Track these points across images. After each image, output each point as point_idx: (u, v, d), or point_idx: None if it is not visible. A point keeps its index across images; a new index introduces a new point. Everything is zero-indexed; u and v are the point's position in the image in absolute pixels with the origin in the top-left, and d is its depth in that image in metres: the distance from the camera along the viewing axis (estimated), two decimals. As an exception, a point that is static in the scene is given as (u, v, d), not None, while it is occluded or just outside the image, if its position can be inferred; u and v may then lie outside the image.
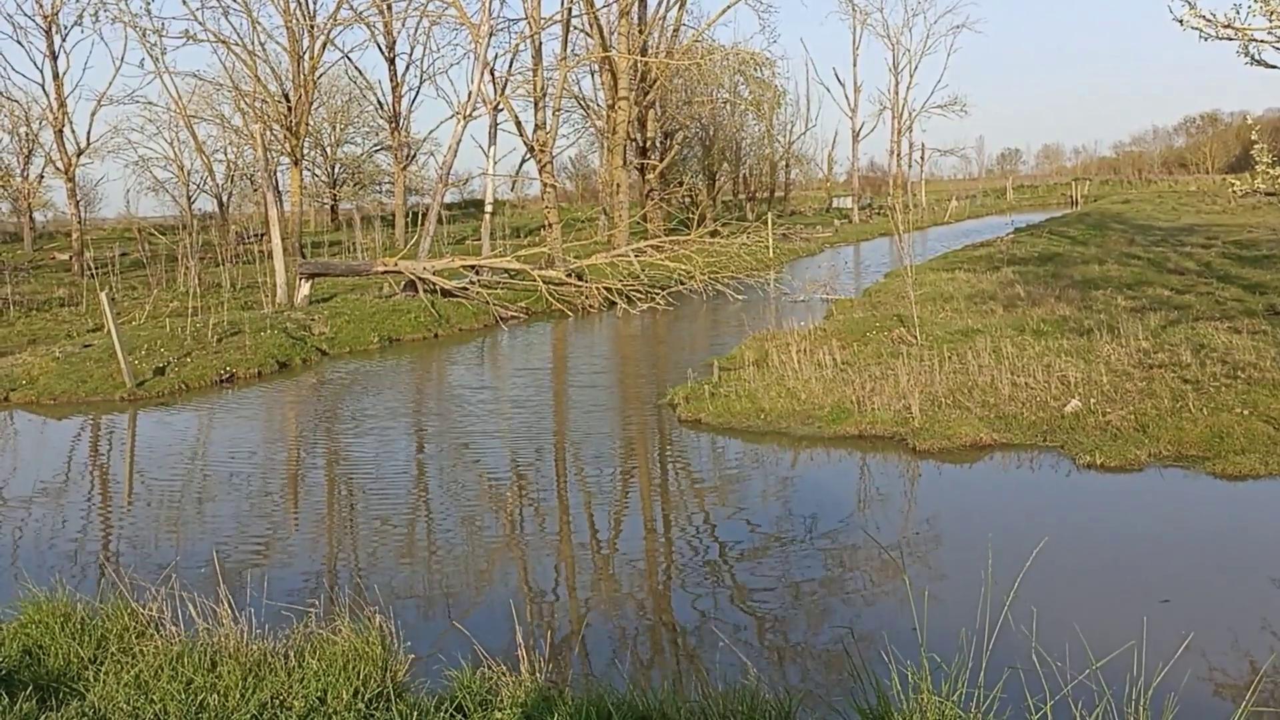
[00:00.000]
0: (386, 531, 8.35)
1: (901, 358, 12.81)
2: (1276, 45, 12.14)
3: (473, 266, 23.34)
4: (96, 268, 28.87)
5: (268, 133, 29.25)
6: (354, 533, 8.43)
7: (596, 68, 37.35)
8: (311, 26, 31.14)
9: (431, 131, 77.39)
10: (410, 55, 79.89)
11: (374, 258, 28.09)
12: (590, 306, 22.74)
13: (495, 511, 8.81)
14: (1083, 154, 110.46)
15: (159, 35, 32.28)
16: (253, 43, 30.10)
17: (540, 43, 29.16)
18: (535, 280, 22.13)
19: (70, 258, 34.56)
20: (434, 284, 22.09)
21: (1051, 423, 9.75)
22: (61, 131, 33.35)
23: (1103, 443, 9.05)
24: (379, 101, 44.12)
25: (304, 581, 7.22)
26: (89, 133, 36.46)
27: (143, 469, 10.94)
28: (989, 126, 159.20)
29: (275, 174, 28.92)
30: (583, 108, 42.52)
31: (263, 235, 32.75)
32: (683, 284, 22.87)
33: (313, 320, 19.61)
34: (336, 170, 55.31)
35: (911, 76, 60.18)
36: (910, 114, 60.12)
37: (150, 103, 57.46)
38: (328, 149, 53.78)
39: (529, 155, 31.11)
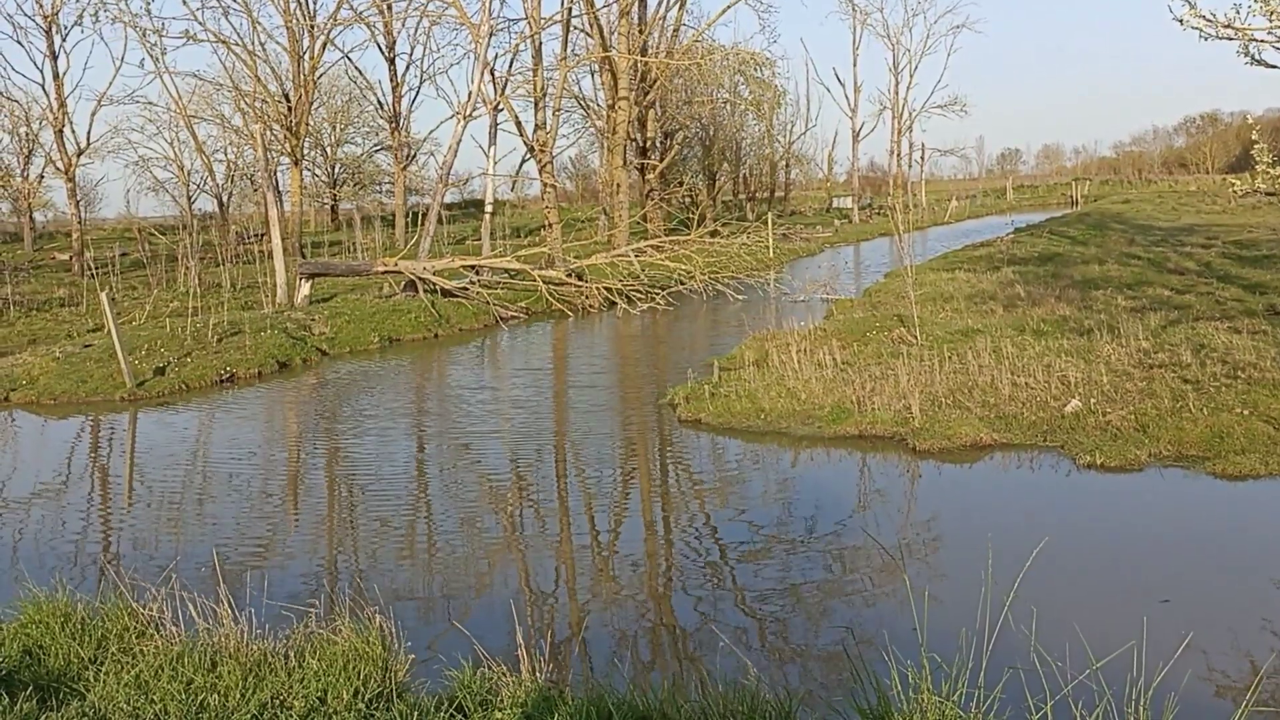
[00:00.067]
0: (387, 532, 8.35)
1: (902, 358, 12.81)
2: (1276, 45, 12.15)
3: (473, 266, 23.35)
4: (97, 268, 28.87)
5: (268, 133, 29.26)
6: (354, 533, 8.43)
7: (596, 68, 37.35)
8: (311, 26, 31.14)
9: (431, 131, 77.48)
10: (410, 55, 79.98)
11: (374, 258, 28.09)
12: (590, 306, 22.74)
13: (495, 512, 8.81)
14: (1083, 154, 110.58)
15: (159, 35, 32.31)
16: (253, 43, 30.12)
17: (540, 43, 29.20)
18: (535, 280, 22.13)
19: (70, 258, 34.57)
20: (434, 284, 22.09)
21: (1052, 423, 9.75)
22: (61, 131, 33.36)
23: (1103, 443, 9.05)
24: (379, 101, 44.17)
25: (304, 581, 7.22)
26: (89, 133, 36.48)
27: (143, 469, 10.94)
28: (989, 126, 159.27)
29: (275, 174, 28.93)
30: (583, 108, 42.55)
31: (263, 235, 32.75)
32: (683, 284, 22.87)
33: (313, 320, 19.62)
34: (337, 170, 55.32)
35: (911, 76, 60.23)
36: (910, 114, 60.19)
37: (150, 103, 57.48)
38: (328, 149, 53.80)
39: (529, 155, 31.13)
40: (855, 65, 56.26)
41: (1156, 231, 30.63)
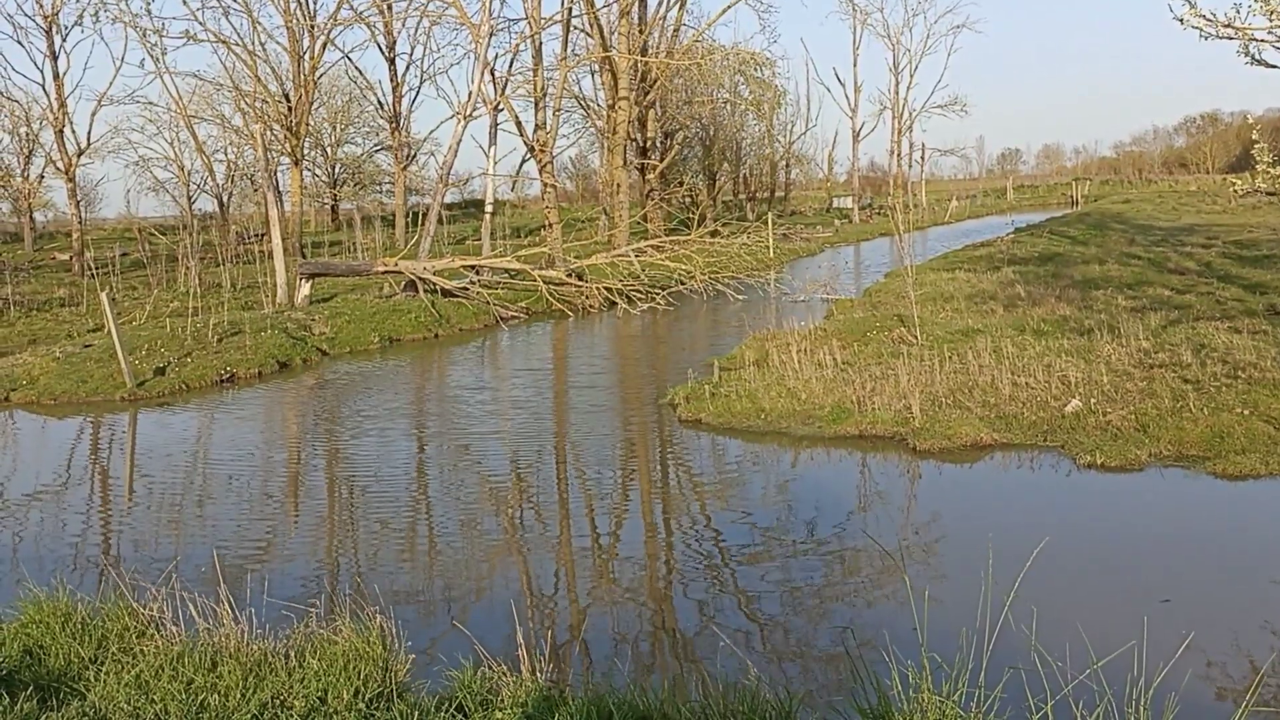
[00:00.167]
0: (387, 532, 8.35)
1: (902, 358, 12.81)
2: (1277, 45, 12.14)
3: (473, 266, 23.34)
4: (97, 268, 28.87)
5: (268, 133, 29.26)
6: (354, 533, 8.43)
7: (597, 68, 37.35)
8: (312, 26, 31.15)
9: (432, 131, 77.51)
10: (410, 55, 79.84)
11: (374, 258, 28.09)
12: (590, 306, 22.74)
13: (496, 512, 8.81)
14: (1083, 154, 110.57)
15: (159, 35, 32.23)
16: (253, 43, 30.12)
17: (540, 43, 29.20)
18: (535, 280, 22.13)
19: (70, 258, 34.56)
20: (434, 284, 22.09)
21: (1052, 422, 9.75)
22: (62, 132, 33.35)
23: (1103, 443, 9.05)
24: (379, 101, 44.15)
25: (304, 581, 7.22)
26: (89, 133, 36.43)
27: (143, 469, 10.94)
28: (989, 126, 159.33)
29: (275, 174, 28.93)
30: (583, 108, 42.55)
31: (263, 235, 32.76)
32: (683, 284, 22.87)
33: (313, 320, 19.62)
34: (337, 170, 55.32)
35: (912, 76, 60.19)
36: (910, 114, 60.16)
37: (150, 103, 57.44)
38: (328, 149, 53.80)
39: (529, 155, 31.11)
40: (855, 65, 56.28)
41: (1157, 231, 30.63)
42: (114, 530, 8.91)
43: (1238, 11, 11.99)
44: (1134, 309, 15.32)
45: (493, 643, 5.23)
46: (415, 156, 46.37)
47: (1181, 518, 7.77)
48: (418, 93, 70.89)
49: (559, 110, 30.91)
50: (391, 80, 41.77)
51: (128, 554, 8.09)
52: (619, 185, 33.37)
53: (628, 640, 6.12)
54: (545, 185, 29.58)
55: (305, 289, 23.07)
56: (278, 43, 31.33)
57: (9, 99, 36.97)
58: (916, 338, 14.15)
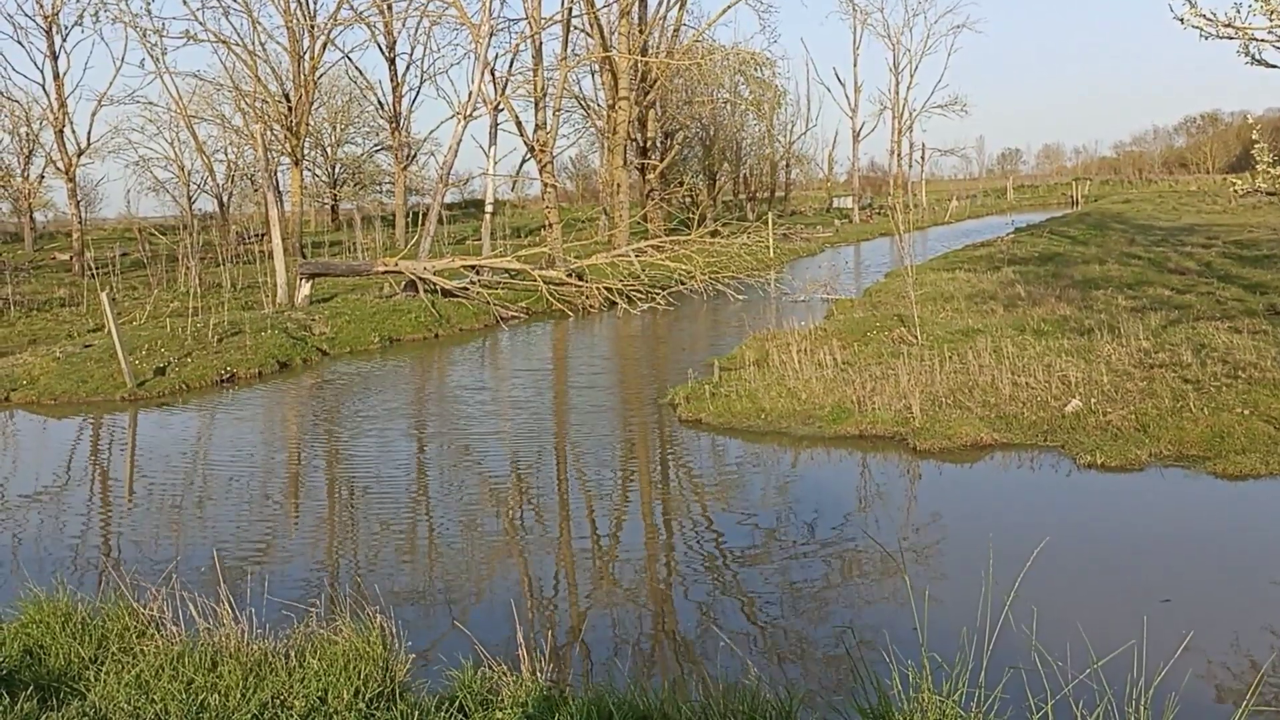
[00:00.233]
0: (387, 532, 8.35)
1: (902, 357, 12.81)
2: (1277, 44, 12.13)
3: (473, 266, 23.34)
4: (97, 268, 28.87)
5: (268, 133, 29.26)
6: (354, 533, 8.43)
7: (597, 68, 37.35)
8: (312, 26, 31.15)
9: (432, 131, 77.52)
10: (410, 55, 79.83)
11: (374, 258, 28.09)
12: (591, 306, 22.74)
13: (496, 512, 8.81)
14: (1083, 154, 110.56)
15: (159, 35, 32.25)
16: (253, 43, 30.13)
17: (540, 43, 29.19)
18: (536, 280, 22.13)
19: (71, 258, 34.56)
20: (434, 284, 22.09)
21: (1052, 422, 9.75)
22: (62, 132, 33.35)
23: (1103, 442, 9.05)
24: (379, 101, 44.13)
25: (304, 581, 7.22)
26: (89, 133, 36.40)
27: (143, 469, 10.94)
28: (989, 126, 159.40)
29: (276, 174, 28.93)
30: (583, 108, 42.55)
31: (263, 235, 32.76)
32: (683, 284, 22.86)
33: (313, 320, 19.62)
34: (337, 170, 55.33)
35: (912, 76, 60.17)
36: (910, 114, 60.17)
37: (151, 103, 57.43)
38: (328, 149, 53.81)
39: (529, 155, 31.11)
40: (855, 65, 56.26)
41: (1157, 231, 30.63)
42: (114, 530, 8.91)
43: (1238, 11, 11.98)
44: (1134, 309, 15.32)
45: (493, 643, 5.23)
46: (415, 156, 46.39)
47: (1182, 518, 7.77)
48: (418, 93, 70.88)
49: (559, 110, 30.93)
50: (391, 80, 41.79)
51: (128, 554, 8.09)
52: (619, 185, 33.37)
53: (628, 640, 6.12)
54: (545, 185, 29.58)
55: (305, 289, 23.07)
56: (278, 43, 31.37)
57: (9, 99, 37.01)
58: (917, 337, 14.15)
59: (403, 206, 42.51)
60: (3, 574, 7.60)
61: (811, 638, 5.98)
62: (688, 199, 44.71)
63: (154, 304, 23.07)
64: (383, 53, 41.36)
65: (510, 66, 32.11)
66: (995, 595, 4.18)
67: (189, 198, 46.24)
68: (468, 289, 22.20)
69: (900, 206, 45.30)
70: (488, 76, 27.80)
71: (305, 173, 38.09)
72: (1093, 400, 10.09)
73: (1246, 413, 9.29)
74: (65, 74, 33.19)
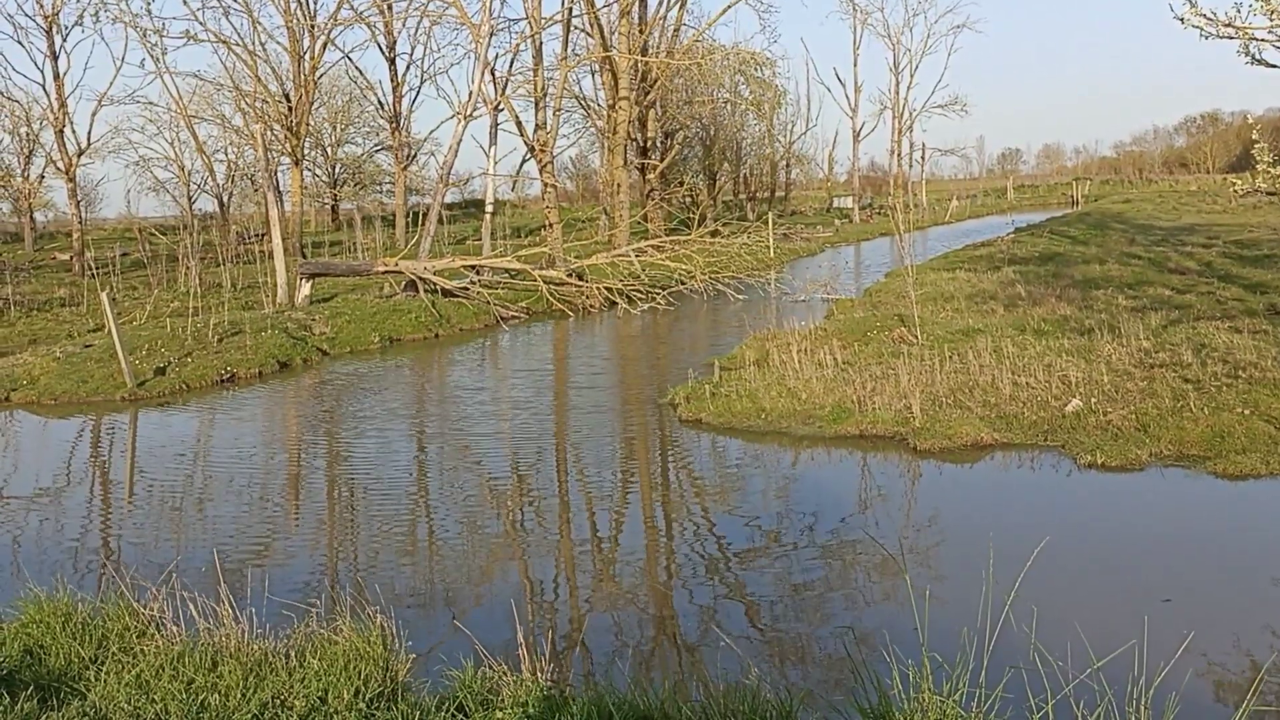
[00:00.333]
0: (387, 531, 8.35)
1: (902, 357, 12.81)
2: (1277, 44, 12.13)
3: (473, 266, 23.34)
4: (97, 268, 28.87)
5: (268, 133, 29.26)
6: (355, 533, 8.43)
7: (597, 68, 37.35)
8: (312, 26, 31.15)
9: (432, 131, 77.49)
10: (411, 55, 79.77)
11: (374, 258, 28.09)
12: (591, 306, 22.74)
13: (496, 512, 8.81)
14: (1083, 154, 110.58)
15: (159, 35, 32.28)
16: (253, 43, 30.13)
17: (541, 43, 29.20)
18: (536, 280, 22.13)
19: (71, 258, 34.56)
20: (434, 284, 22.09)
21: (1052, 422, 9.75)
22: (62, 132, 33.35)
23: (1104, 442, 9.05)
24: (379, 101, 44.13)
25: (305, 581, 7.22)
26: (89, 133, 36.37)
27: (143, 469, 10.94)
28: (989, 126, 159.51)
29: (276, 174, 28.94)
30: (583, 107, 42.55)
31: (263, 235, 32.76)
32: (683, 284, 22.86)
33: (313, 320, 19.62)
34: (337, 170, 55.32)
35: (912, 76, 60.17)
36: (911, 114, 60.16)
37: (151, 103, 57.42)
38: (328, 149, 53.80)
39: (529, 155, 31.11)
40: (856, 65, 56.23)
41: (1157, 231, 30.63)
42: (114, 530, 8.90)
43: (1238, 11, 11.98)
44: (1134, 309, 15.32)
45: (493, 642, 5.22)
46: (415, 156, 46.40)
47: (1182, 517, 7.77)
48: (418, 93, 70.92)
49: (559, 110, 30.89)
50: (392, 80, 41.78)
51: (128, 554, 8.09)
52: (619, 185, 33.37)
53: (628, 639, 6.12)
54: (545, 185, 29.58)
55: (305, 289, 23.07)
56: (278, 43, 31.36)
57: (9, 99, 37.01)
58: (917, 337, 14.15)
59: (403, 206, 42.51)
60: (3, 574, 7.60)
61: (812, 638, 5.98)
62: (688, 199, 44.72)
63: (154, 304, 23.07)
64: (383, 53, 41.37)
65: (510, 66, 32.15)
66: (995, 595, 4.18)
67: (189, 198, 46.27)
68: (468, 289, 22.20)
69: (900, 206, 45.28)
70: (488, 76, 27.80)
71: (305, 173, 38.09)
72: (1093, 400, 10.08)
73: (1247, 412, 9.29)
74: (65, 74, 33.23)
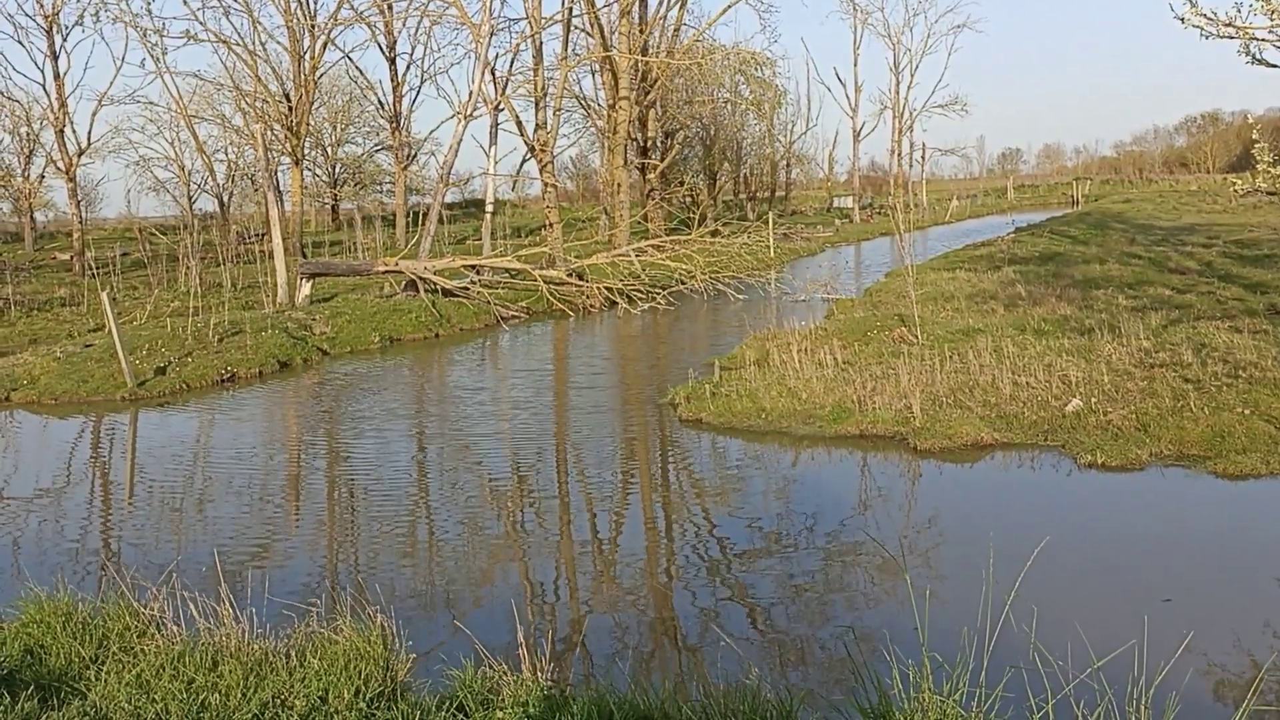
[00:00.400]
0: (388, 531, 8.35)
1: (902, 357, 12.81)
2: (1277, 44, 12.13)
3: (473, 266, 23.34)
4: (97, 267, 28.88)
5: (268, 132, 29.26)
6: (355, 533, 8.43)
7: (597, 67, 37.34)
8: (312, 26, 31.14)
9: (432, 131, 77.48)
10: (411, 55, 79.54)
11: (375, 257, 28.09)
12: (591, 306, 22.74)
13: (496, 512, 8.81)
14: (1084, 153, 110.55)
15: (160, 35, 32.31)
16: (254, 43, 30.12)
17: (541, 42, 29.18)
18: (536, 280, 22.12)
19: (71, 258, 34.57)
20: (435, 284, 22.09)
21: (1053, 422, 9.75)
22: (62, 131, 33.35)
23: (1104, 442, 9.05)
24: (380, 101, 44.12)
25: (305, 581, 7.22)
26: (90, 133, 36.37)
27: (144, 469, 10.94)
28: (990, 126, 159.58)
29: (276, 174, 28.94)
30: (583, 107, 42.55)
31: (263, 235, 32.75)
32: (684, 284, 22.85)
33: (314, 320, 19.62)
34: (337, 170, 55.31)
35: (912, 76, 60.13)
36: (911, 113, 60.15)
37: (151, 103, 57.42)
38: (328, 149, 53.79)
39: (530, 155, 31.11)
40: (856, 65, 56.23)
41: (1157, 231, 30.63)
42: (114, 530, 8.91)
43: (1239, 11, 11.97)
44: (1135, 308, 15.32)
45: (494, 642, 5.23)
46: (416, 156, 46.39)
47: (1182, 517, 7.77)
48: (418, 92, 70.89)
49: (559, 110, 30.88)
50: (392, 80, 41.78)
51: (128, 554, 8.09)
52: (619, 185, 33.37)
53: (628, 639, 6.12)
54: (546, 185, 29.57)
55: (306, 289, 23.07)
56: (278, 42, 31.36)
57: (9, 99, 37.02)
58: (917, 337, 14.15)
59: (403, 206, 42.51)
60: (4, 574, 7.60)
61: (812, 637, 5.98)
62: (688, 199, 44.71)
63: (154, 304, 23.07)
64: (383, 52, 41.36)
65: (511, 66, 32.14)
66: (996, 595, 4.18)
67: (189, 197, 46.29)
68: (468, 289, 22.20)
69: (900, 206, 45.27)
70: (488, 76, 27.80)
71: (306, 172, 38.09)
72: (1093, 400, 10.08)
73: (1247, 412, 9.29)
74: (66, 74, 33.23)
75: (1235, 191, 17.80)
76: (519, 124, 29.63)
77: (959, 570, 6.75)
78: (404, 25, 40.98)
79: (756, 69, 39.79)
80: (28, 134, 40.92)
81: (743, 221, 41.38)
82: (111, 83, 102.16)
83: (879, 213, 55.74)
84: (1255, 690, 4.84)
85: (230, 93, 34.19)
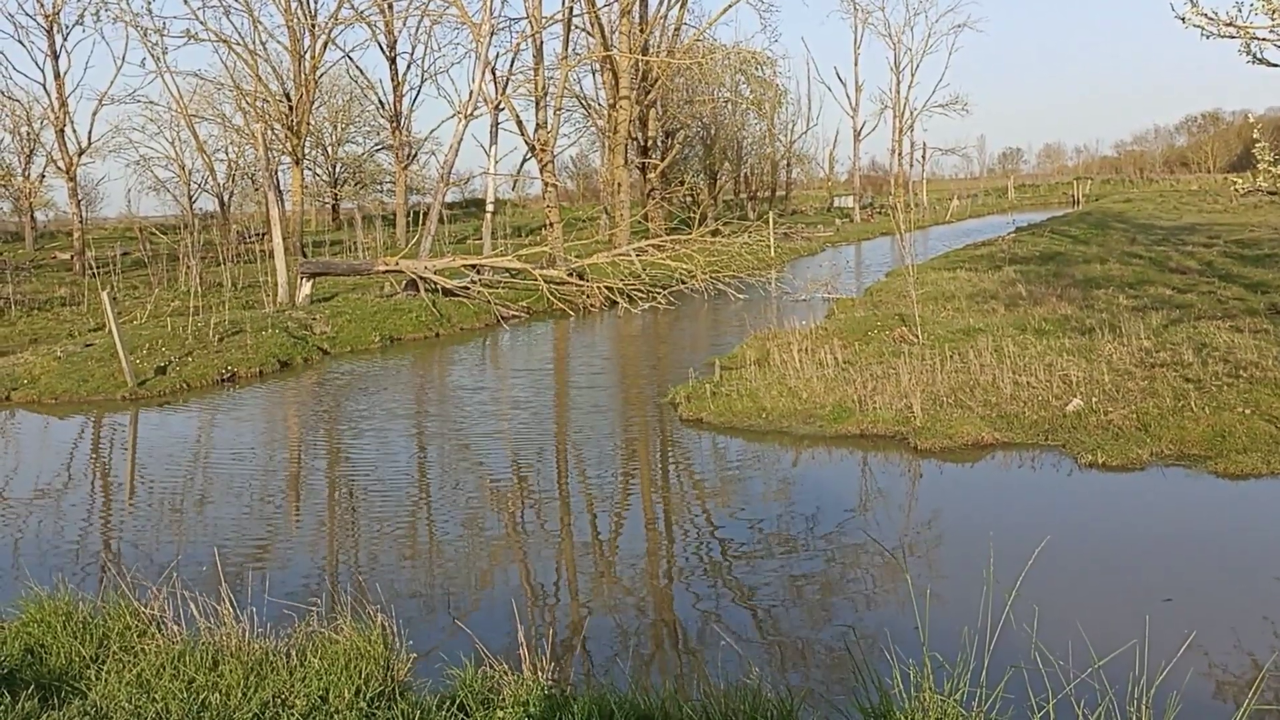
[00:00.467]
0: (388, 531, 8.35)
1: (903, 357, 12.80)
2: (1278, 43, 12.12)
3: (474, 266, 23.34)
4: (98, 267, 28.89)
5: (269, 132, 29.27)
6: (355, 532, 8.43)
7: (598, 67, 37.34)
8: (313, 26, 31.14)
9: (433, 131, 77.51)
10: (411, 54, 79.16)
11: (375, 257, 28.09)
12: (591, 306, 22.73)
13: (496, 511, 8.81)
14: (1084, 153, 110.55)
15: (160, 35, 32.36)
16: (254, 42, 30.13)
17: (541, 42, 29.16)
18: (536, 279, 22.12)
19: (71, 257, 34.57)
20: (435, 283, 22.09)
21: (1053, 422, 9.74)
22: (63, 131, 33.35)
23: (1104, 442, 9.04)
24: (380, 101, 44.11)
25: (305, 580, 7.22)
26: (90, 132, 36.36)
27: (144, 468, 10.95)
28: (990, 126, 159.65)
29: (276, 173, 28.96)
30: (584, 107, 42.54)
31: (264, 234, 32.75)
32: (684, 283, 22.84)
33: (314, 319, 19.62)
34: (338, 169, 55.29)
35: (913, 75, 60.09)
36: (912, 113, 60.11)
37: (151, 102, 57.51)
38: (329, 148, 53.76)
39: (530, 154, 31.10)
40: (856, 64, 56.15)
41: (1158, 230, 30.62)
42: (115, 530, 8.91)
43: (1239, 10, 11.96)
44: (1135, 308, 15.31)
45: (494, 642, 5.22)
46: (416, 156, 46.38)
47: (1183, 517, 7.77)
48: (419, 92, 70.75)
49: (560, 109, 30.87)
50: (392, 79, 41.77)
51: (129, 553, 8.09)
52: (620, 184, 33.36)
53: (629, 639, 6.12)
54: (546, 184, 29.57)
55: (306, 288, 23.07)
56: (279, 42, 31.36)
57: (10, 98, 37.03)
58: (918, 337, 14.15)
59: (403, 206, 42.51)
60: (4, 574, 7.60)
61: (813, 637, 5.98)
62: (688, 198, 44.71)
63: (155, 303, 23.07)
64: (383, 52, 41.36)
65: (511, 66, 32.14)
66: (996, 594, 4.18)
67: (190, 197, 46.30)
68: (468, 288, 22.19)
69: (901, 206, 45.27)
70: (488, 76, 27.79)
71: (306, 172, 38.10)
72: (1094, 399, 10.08)
73: (1248, 412, 9.29)
74: (66, 73, 33.23)
75: (1236, 191, 17.79)
76: (519, 123, 29.64)
77: (959, 570, 6.75)
78: (404, 25, 40.99)
79: (757, 68, 39.78)
80: (28, 133, 40.95)
81: (743, 221, 41.34)
82: (112, 82, 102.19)
83: (879, 212, 55.72)
84: (1256, 690, 4.84)
85: (230, 92, 34.23)
